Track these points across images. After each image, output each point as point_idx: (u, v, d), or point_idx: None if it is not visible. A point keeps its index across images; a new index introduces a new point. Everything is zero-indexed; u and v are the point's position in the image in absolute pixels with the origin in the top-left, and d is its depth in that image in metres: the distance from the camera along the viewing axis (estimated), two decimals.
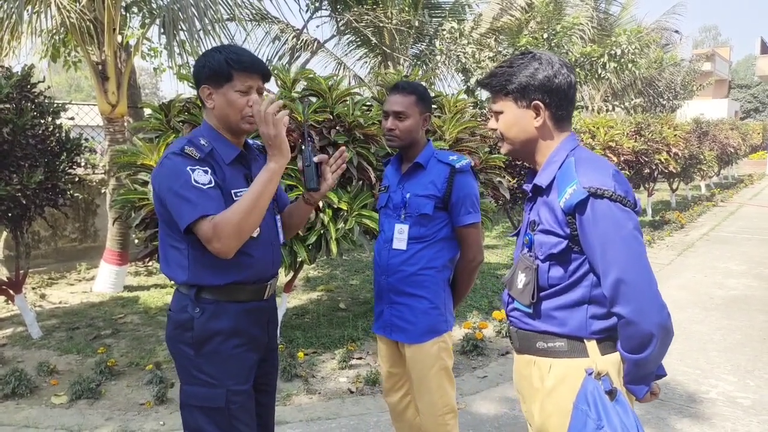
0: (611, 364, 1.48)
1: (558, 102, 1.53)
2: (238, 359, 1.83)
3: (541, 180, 1.54)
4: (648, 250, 8.00)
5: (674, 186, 12.72)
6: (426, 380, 2.27)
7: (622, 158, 8.37)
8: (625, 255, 1.39)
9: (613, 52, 9.87)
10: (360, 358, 4.15)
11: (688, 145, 11.25)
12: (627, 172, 8.67)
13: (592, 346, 1.49)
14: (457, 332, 4.50)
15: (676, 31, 15.85)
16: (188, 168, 1.69)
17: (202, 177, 1.69)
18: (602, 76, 10.23)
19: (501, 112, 1.58)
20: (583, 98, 13.46)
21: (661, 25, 16.00)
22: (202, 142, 1.79)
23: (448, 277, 2.34)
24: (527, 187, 1.63)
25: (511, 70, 1.54)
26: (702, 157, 12.44)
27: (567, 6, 11.83)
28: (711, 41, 66.35)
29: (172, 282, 1.89)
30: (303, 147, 1.91)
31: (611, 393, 1.43)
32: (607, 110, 12.56)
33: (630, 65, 10.12)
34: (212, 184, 1.70)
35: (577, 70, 10.08)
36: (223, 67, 1.76)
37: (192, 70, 1.89)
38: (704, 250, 8.31)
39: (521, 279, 1.56)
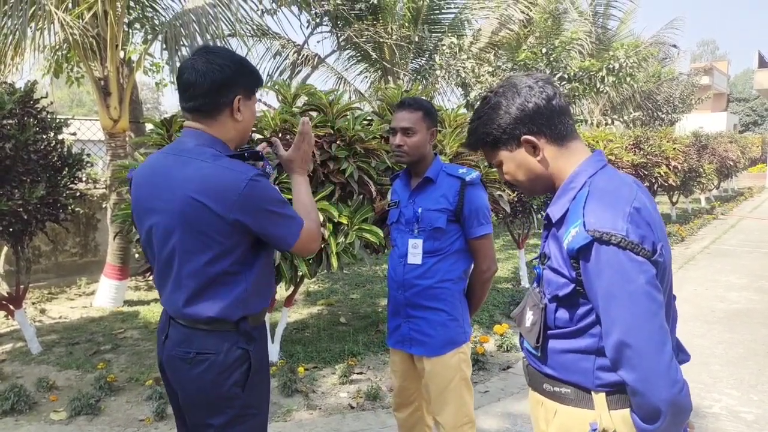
0: (621, 420, 1.29)
1: (546, 122, 1.35)
2: (268, 378, 1.85)
3: (553, 212, 1.36)
4: None
5: (674, 199, 12.74)
6: (446, 392, 2.30)
7: (621, 172, 8.39)
8: (630, 314, 1.19)
9: (611, 66, 9.93)
10: (360, 373, 4.13)
11: (687, 159, 11.28)
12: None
13: (599, 399, 1.31)
14: None
15: (674, 46, 15.99)
16: (273, 186, 1.73)
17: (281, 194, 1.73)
18: (601, 90, 10.28)
19: (501, 163, 1.44)
20: (582, 112, 13.53)
21: (659, 39, 16.14)
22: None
23: (464, 288, 2.38)
24: (545, 216, 1.45)
25: (481, 122, 1.41)
26: (701, 170, 12.47)
27: (566, 21, 11.95)
28: (709, 55, 66.86)
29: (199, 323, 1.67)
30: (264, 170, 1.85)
31: None
32: (606, 124, 12.61)
33: (628, 79, 10.19)
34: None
35: (576, 84, 10.15)
36: (258, 80, 1.73)
37: (221, 73, 1.62)
38: (705, 263, 8.30)
39: (529, 317, 1.43)
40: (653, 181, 10.12)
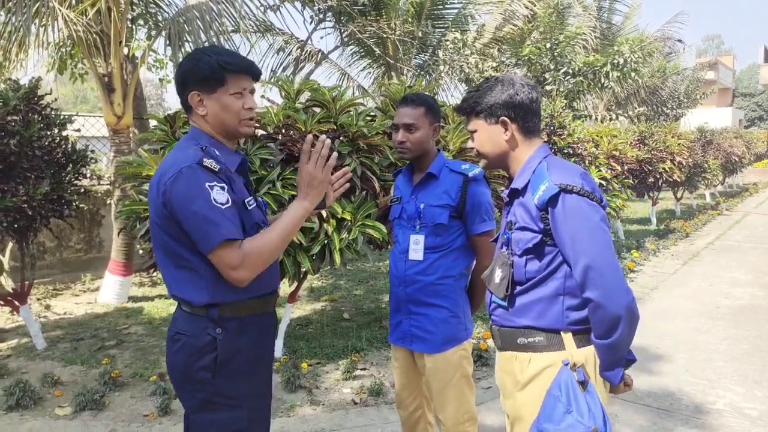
0: (586, 356, 1.62)
1: (523, 115, 1.71)
2: (258, 374, 1.80)
3: (517, 184, 1.71)
4: (653, 259, 8.05)
5: (679, 195, 12.68)
6: (447, 389, 2.29)
7: (625, 167, 8.36)
8: (592, 243, 1.55)
9: (615, 61, 9.88)
10: (364, 369, 4.14)
11: (692, 154, 11.22)
12: (631, 181, 8.65)
13: (568, 338, 1.63)
14: None
15: (679, 40, 15.88)
16: (207, 185, 1.58)
17: (220, 196, 1.59)
18: (605, 85, 10.24)
19: (475, 131, 1.78)
20: (586, 107, 13.47)
21: (664, 34, 16.02)
22: (218, 153, 1.69)
23: (465, 285, 2.38)
24: (505, 192, 1.79)
25: (478, 94, 1.75)
26: (706, 165, 12.40)
27: (570, 16, 11.88)
28: (714, 50, 66.42)
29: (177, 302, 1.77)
30: None
31: (583, 383, 1.56)
32: (611, 119, 12.56)
33: (633, 74, 10.13)
34: (229, 204, 1.60)
35: (580, 79, 10.10)
36: (215, 71, 1.66)
37: (177, 75, 1.74)
38: (710, 259, 8.27)
39: (498, 274, 1.72)
40: (658, 176, 10.08)
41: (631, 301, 1.54)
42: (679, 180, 10.77)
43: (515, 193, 1.72)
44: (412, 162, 2.38)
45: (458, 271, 2.32)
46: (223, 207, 1.59)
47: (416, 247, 2.28)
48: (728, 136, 16.01)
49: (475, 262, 2.37)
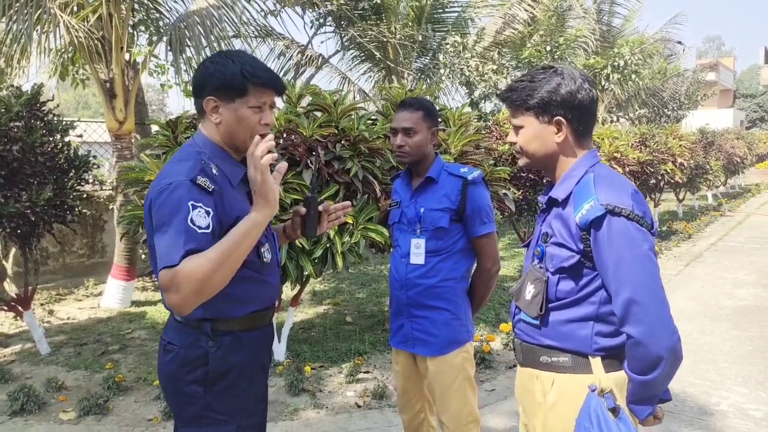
0: (615, 381, 1.47)
1: (580, 117, 1.52)
2: (250, 390, 1.74)
3: (558, 193, 1.54)
4: None
5: (681, 196, 12.67)
6: (450, 391, 2.29)
7: (627, 169, 8.36)
8: (638, 275, 1.38)
9: (616, 63, 9.90)
10: (367, 372, 4.14)
11: (693, 155, 11.22)
12: (633, 183, 8.65)
13: (596, 362, 1.49)
14: None
15: (679, 42, 15.90)
16: (190, 203, 1.46)
17: (200, 219, 1.46)
18: (606, 87, 10.25)
19: (521, 127, 1.58)
20: None
21: (664, 36, 16.03)
22: (213, 169, 1.58)
23: (467, 288, 2.38)
24: (542, 198, 1.63)
25: (532, 85, 1.53)
26: (708, 167, 12.40)
27: (570, 19, 11.91)
28: (715, 51, 66.44)
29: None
30: (308, 194, 1.85)
31: (614, 410, 1.41)
32: (612, 121, 12.57)
33: (633, 76, 10.15)
34: (208, 229, 1.46)
35: None
36: (237, 80, 1.57)
37: (195, 76, 1.65)
38: (712, 260, 8.26)
39: (530, 290, 1.56)
40: (659, 178, 10.06)
41: (676, 342, 1.37)
42: (680, 181, 10.77)
43: (554, 202, 1.56)
44: (411, 166, 2.38)
45: (459, 274, 2.32)
46: (199, 231, 1.45)
47: (417, 251, 2.29)
48: (730, 137, 16.00)
49: (476, 265, 2.38)
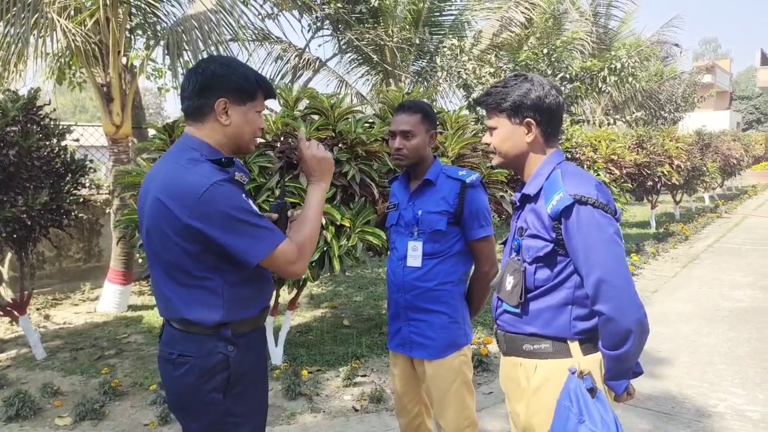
0: (593, 363, 1.61)
1: (548, 120, 1.68)
2: (259, 390, 1.79)
3: (530, 189, 1.69)
4: (652, 262, 8.04)
5: (678, 198, 12.70)
6: (448, 395, 2.29)
7: (624, 171, 8.38)
8: (606, 257, 1.53)
9: (612, 66, 9.92)
10: (364, 376, 4.13)
11: (690, 157, 11.25)
12: (630, 185, 8.66)
13: (575, 346, 1.62)
14: None
15: (676, 44, 15.96)
16: (243, 196, 1.59)
17: (253, 205, 1.60)
18: (602, 90, 10.27)
19: (495, 128, 1.73)
20: (584, 112, 13.50)
21: (661, 38, 16.10)
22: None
23: (464, 291, 2.37)
24: (516, 196, 1.77)
25: (505, 90, 1.69)
26: (705, 168, 12.42)
27: (566, 22, 11.94)
28: (711, 53, 66.67)
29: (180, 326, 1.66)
30: (278, 201, 1.86)
31: (592, 391, 1.54)
32: (609, 124, 12.59)
33: (630, 78, 10.17)
34: (258, 212, 1.63)
35: (578, 84, 10.13)
36: (251, 84, 1.66)
37: (202, 76, 1.64)
38: (709, 261, 8.27)
39: (509, 281, 1.69)
40: (656, 180, 10.09)
41: (643, 316, 1.52)
42: (677, 183, 10.80)
43: (527, 199, 1.71)
44: (409, 169, 2.38)
45: (457, 277, 2.32)
46: (262, 215, 1.62)
47: (414, 253, 2.28)
48: (726, 139, 16.04)
49: (474, 268, 2.37)
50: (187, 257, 1.57)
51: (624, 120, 14.27)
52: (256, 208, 1.61)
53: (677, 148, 10.68)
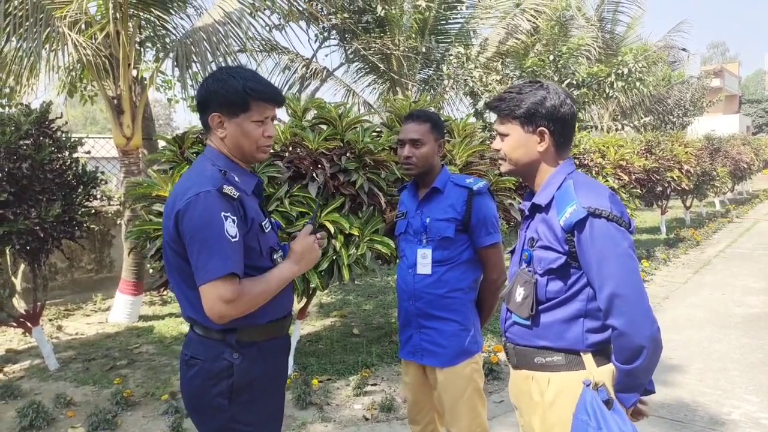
0: (607, 375, 1.58)
1: (561, 130, 1.65)
2: (272, 400, 1.79)
3: (540, 199, 1.65)
4: (663, 268, 7.98)
5: (688, 203, 12.62)
6: (459, 403, 2.30)
7: (633, 176, 8.34)
8: (620, 270, 1.50)
9: (620, 71, 9.90)
10: (375, 385, 4.13)
11: (700, 162, 11.19)
12: (639, 191, 8.62)
13: (588, 358, 1.59)
14: None
15: (683, 49, 15.89)
16: (222, 214, 1.56)
17: (231, 228, 1.57)
18: (610, 95, 10.25)
19: (507, 135, 1.68)
20: (591, 118, 13.48)
21: (668, 43, 16.05)
22: (235, 177, 1.68)
23: (475, 298, 2.39)
24: (524, 206, 1.74)
25: (520, 96, 1.64)
26: (715, 173, 12.34)
27: (573, 28, 11.94)
28: (719, 57, 66.32)
29: (191, 325, 1.73)
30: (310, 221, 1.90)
31: (608, 402, 1.51)
32: (616, 129, 12.56)
33: (638, 84, 10.15)
34: (237, 238, 1.58)
35: (585, 90, 10.13)
36: (240, 97, 1.65)
37: (199, 93, 1.72)
38: (721, 267, 8.20)
39: (520, 293, 1.65)
40: (666, 185, 10.04)
41: (656, 331, 1.49)
42: (687, 188, 10.74)
43: (537, 208, 1.67)
44: (417, 177, 2.41)
45: (467, 284, 2.33)
46: (232, 240, 1.56)
47: (424, 261, 2.30)
48: (736, 143, 15.92)
49: (483, 275, 2.38)
50: (184, 261, 1.62)
51: (632, 125, 14.21)
52: (231, 230, 1.56)
53: (686, 152, 10.63)
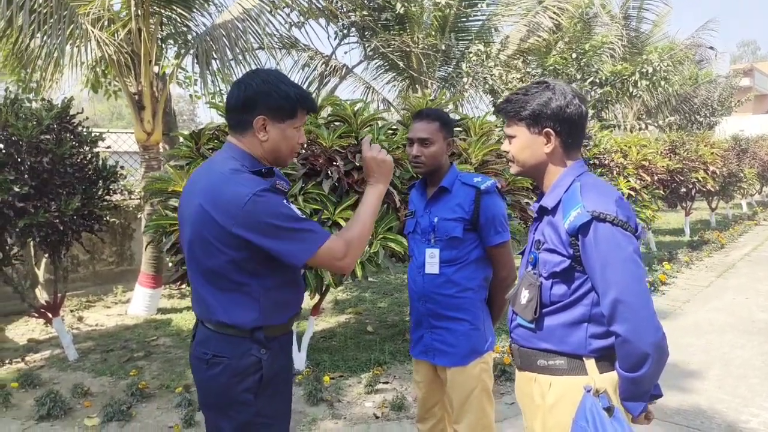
0: (609, 382, 1.55)
1: (568, 130, 1.62)
2: (287, 393, 1.86)
3: (547, 202, 1.64)
4: (686, 271, 7.82)
5: (713, 205, 12.35)
6: (467, 402, 2.29)
7: (656, 177, 8.19)
8: (623, 276, 1.47)
9: (644, 70, 9.72)
10: (386, 383, 4.12)
11: (726, 163, 10.94)
12: (662, 191, 8.46)
13: (590, 364, 1.57)
14: None
15: (711, 48, 15.52)
16: (284, 202, 1.66)
17: (296, 211, 1.67)
18: (634, 94, 10.07)
19: (514, 136, 1.68)
20: (615, 116, 13.27)
21: (696, 41, 15.71)
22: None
23: (485, 297, 2.37)
24: (534, 207, 1.72)
25: (525, 98, 1.63)
26: (742, 174, 12.06)
27: (596, 25, 11.76)
28: (750, 56, 64.72)
29: (214, 326, 1.72)
30: None
31: (609, 410, 1.49)
32: (640, 128, 12.35)
33: (662, 83, 9.95)
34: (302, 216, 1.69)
35: (608, 88, 9.97)
36: (291, 103, 1.70)
37: (244, 92, 1.71)
38: (746, 271, 8.01)
39: (525, 295, 1.65)
40: (690, 186, 9.84)
41: (661, 338, 1.46)
42: (713, 190, 10.50)
43: (544, 211, 1.66)
44: (426, 176, 2.40)
45: (477, 284, 2.31)
46: (304, 218, 1.68)
47: (432, 260, 2.29)
48: (765, 143, 15.53)
49: (492, 274, 2.36)
50: (230, 264, 1.64)
51: (656, 125, 13.96)
52: (298, 212, 1.67)
53: (712, 153, 10.40)
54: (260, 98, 1.68)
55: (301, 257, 1.63)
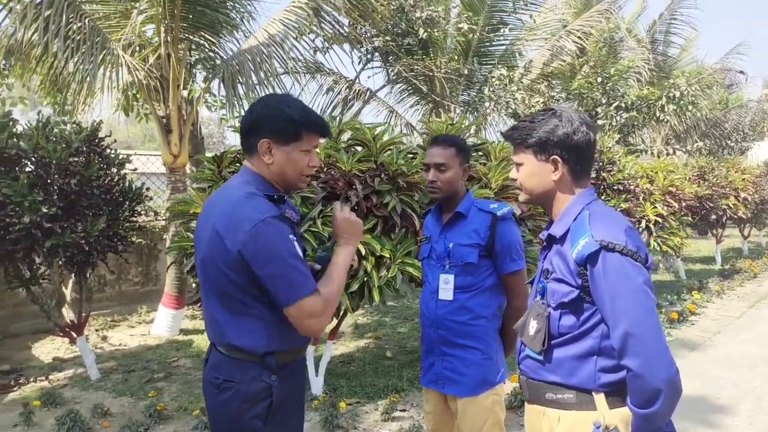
0: (620, 418, 1.49)
1: (576, 158, 1.60)
2: (297, 419, 1.84)
3: (556, 230, 1.61)
4: (717, 300, 7.60)
5: (746, 232, 12.01)
6: None
7: (683, 203, 8.01)
8: (634, 308, 1.42)
9: (671, 94, 9.60)
10: (404, 410, 4.06)
11: (758, 189, 10.65)
12: (690, 218, 8.27)
13: (600, 399, 1.51)
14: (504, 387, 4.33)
15: (741, 72, 15.27)
16: (289, 236, 1.63)
17: (297, 249, 1.64)
18: (661, 119, 9.93)
19: (521, 164, 1.66)
20: (643, 141, 13.09)
21: (725, 65, 15.48)
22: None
23: (498, 327, 2.32)
24: (543, 235, 1.68)
25: (532, 125, 1.62)
26: None
27: (623, 50, 11.69)
28: None
29: (223, 350, 1.72)
30: (321, 253, 1.92)
31: None
32: (668, 154, 12.14)
33: (690, 107, 9.80)
34: (302, 256, 1.66)
35: (634, 113, 9.86)
36: (294, 126, 1.69)
37: (250, 116, 1.74)
38: None
39: (533, 326, 1.61)
40: (721, 213, 9.60)
41: (674, 374, 1.40)
42: (744, 216, 10.22)
43: (553, 239, 1.63)
44: (442, 201, 2.39)
45: (491, 312, 2.28)
46: (302, 259, 1.65)
47: (446, 286, 2.26)
48: None
49: (507, 302, 2.32)
50: (235, 287, 1.64)
51: (685, 150, 13.71)
52: (299, 251, 1.65)
53: (743, 179, 10.15)
54: (264, 121, 1.70)
55: (286, 300, 1.60)
